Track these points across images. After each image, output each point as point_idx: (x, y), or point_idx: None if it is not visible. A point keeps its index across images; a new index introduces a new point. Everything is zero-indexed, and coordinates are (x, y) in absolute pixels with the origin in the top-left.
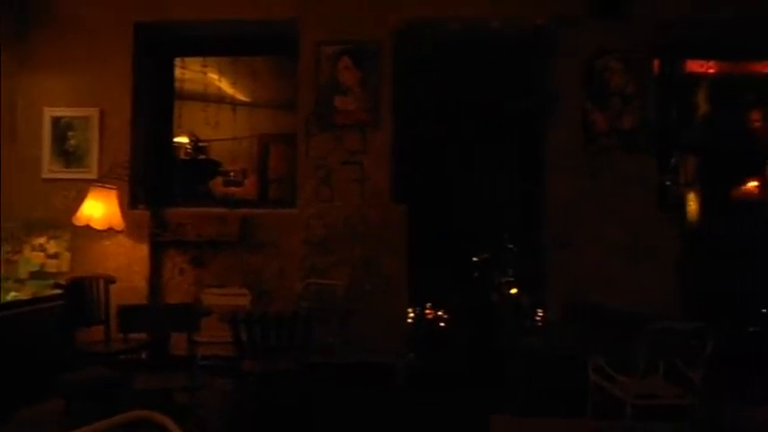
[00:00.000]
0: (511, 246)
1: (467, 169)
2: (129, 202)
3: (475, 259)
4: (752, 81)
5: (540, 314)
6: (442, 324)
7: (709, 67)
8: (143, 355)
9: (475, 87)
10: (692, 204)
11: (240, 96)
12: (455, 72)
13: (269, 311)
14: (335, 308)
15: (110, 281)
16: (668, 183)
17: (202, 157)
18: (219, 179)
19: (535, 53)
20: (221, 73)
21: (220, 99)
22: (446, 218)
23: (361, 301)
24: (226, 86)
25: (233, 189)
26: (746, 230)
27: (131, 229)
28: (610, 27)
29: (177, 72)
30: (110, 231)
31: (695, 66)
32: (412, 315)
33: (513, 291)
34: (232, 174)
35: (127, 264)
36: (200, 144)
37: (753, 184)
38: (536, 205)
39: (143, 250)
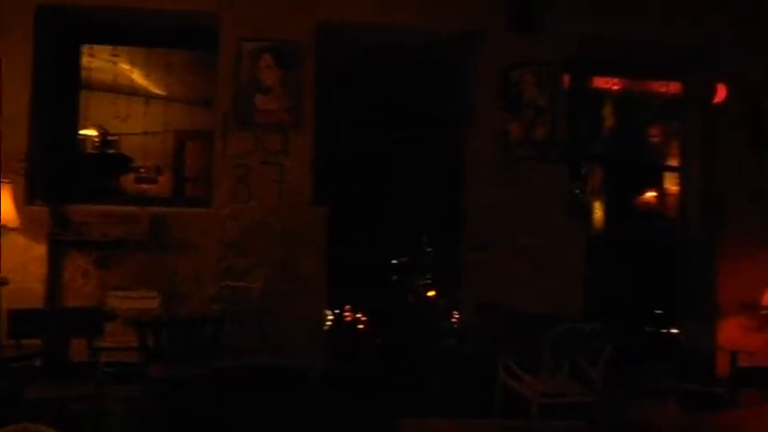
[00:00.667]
0: (430, 249)
1: (388, 173)
2: (26, 198)
3: (394, 262)
4: (652, 99)
5: (457, 316)
6: (360, 326)
7: (613, 84)
8: (37, 363)
9: (397, 93)
10: (598, 212)
11: (154, 89)
12: (378, 77)
13: (178, 315)
14: (251, 310)
15: (1, 283)
16: (577, 191)
17: (112, 151)
18: (131, 176)
19: (454, 63)
20: (133, 64)
21: (133, 91)
22: (367, 221)
23: (277, 303)
24: (138, 78)
25: (145, 186)
26: (645, 237)
27: (27, 226)
28: (524, 41)
29: (84, 60)
30: (3, 229)
31: (601, 82)
32: (330, 318)
33: (431, 293)
34: (144, 170)
35: (22, 264)
36: (110, 138)
37: (651, 194)
38: (454, 210)
39: (40, 250)
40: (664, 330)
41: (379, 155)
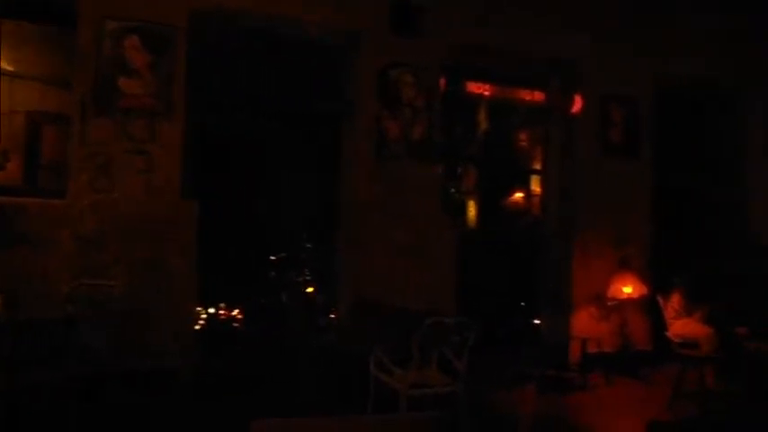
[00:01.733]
0: (309, 245)
1: (267, 168)
2: None
3: (272, 258)
4: (519, 106)
5: (334, 312)
6: (236, 324)
7: (485, 90)
8: None
9: (277, 85)
10: (472, 210)
11: (4, 65)
12: (258, 67)
13: (26, 316)
14: (111, 311)
15: None
16: (453, 191)
17: None
18: None
19: (336, 59)
20: None
21: None
22: (243, 216)
23: (142, 302)
24: None
25: None
26: (512, 235)
27: None
28: (404, 43)
29: None
30: None
31: (474, 87)
32: (204, 317)
33: (310, 290)
34: None
35: None
36: None
37: (519, 194)
38: (333, 206)
39: None
40: (527, 320)
41: (257, 148)
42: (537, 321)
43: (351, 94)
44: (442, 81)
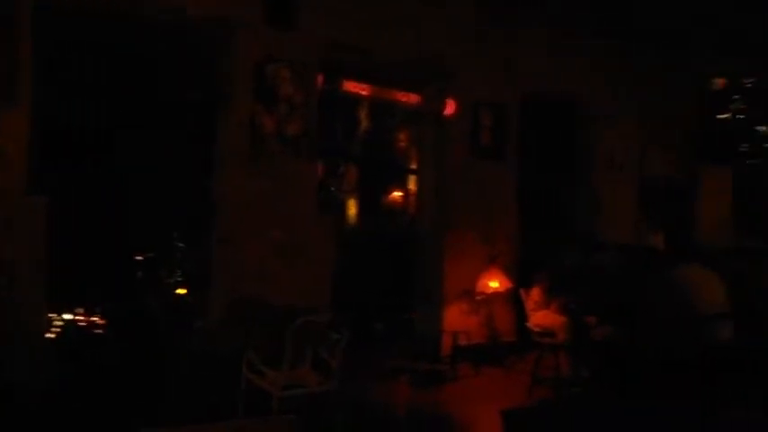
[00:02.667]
0: (181, 244)
1: (133, 162)
2: None
3: (139, 258)
4: (396, 107)
5: (207, 313)
6: (98, 331)
7: (362, 90)
8: None
9: (145, 74)
10: (352, 208)
11: None
12: (124, 54)
13: None
14: None
15: None
16: (333, 189)
17: None
18: None
19: (210, 49)
20: None
21: None
22: (106, 214)
23: None
24: None
25: None
26: (391, 232)
27: None
28: (282, 37)
29: None
30: None
31: (352, 86)
32: (59, 323)
33: (182, 291)
34: None
35: None
36: None
37: (398, 193)
38: (207, 203)
39: None
40: (402, 316)
41: (122, 141)
42: (411, 317)
43: (225, 86)
44: (320, 78)
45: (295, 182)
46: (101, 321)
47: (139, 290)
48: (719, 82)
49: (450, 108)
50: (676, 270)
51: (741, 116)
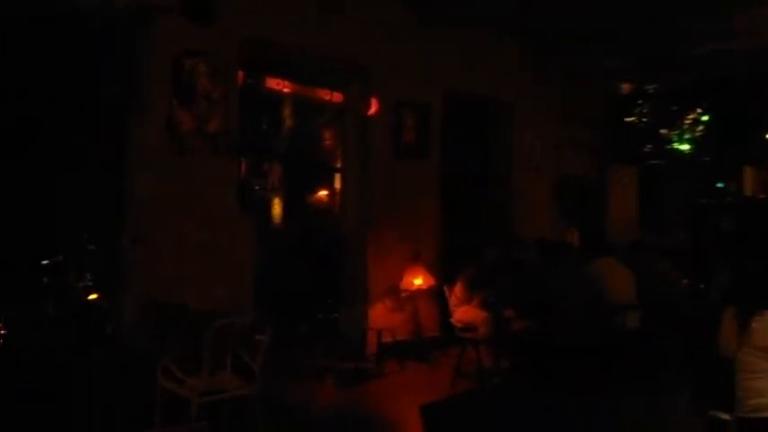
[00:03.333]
0: (91, 246)
1: (38, 161)
2: None
3: (45, 263)
4: (320, 105)
5: (120, 319)
6: None
7: (285, 87)
8: None
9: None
10: (277, 207)
11: None
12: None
13: None
14: None
15: None
16: (257, 187)
17: None
18: None
19: (122, 40)
20: None
21: None
22: (8, 216)
23: None
24: None
25: None
26: (316, 232)
27: None
28: (200, 31)
29: None
30: None
31: (274, 83)
32: None
33: (93, 296)
34: None
35: None
36: None
37: (323, 192)
38: (120, 203)
39: None
40: (327, 316)
41: (28, 138)
42: (337, 316)
43: (139, 79)
44: (241, 74)
45: (215, 180)
46: (2, 330)
47: (45, 296)
48: (626, 87)
49: (373, 107)
50: (589, 264)
51: (645, 119)
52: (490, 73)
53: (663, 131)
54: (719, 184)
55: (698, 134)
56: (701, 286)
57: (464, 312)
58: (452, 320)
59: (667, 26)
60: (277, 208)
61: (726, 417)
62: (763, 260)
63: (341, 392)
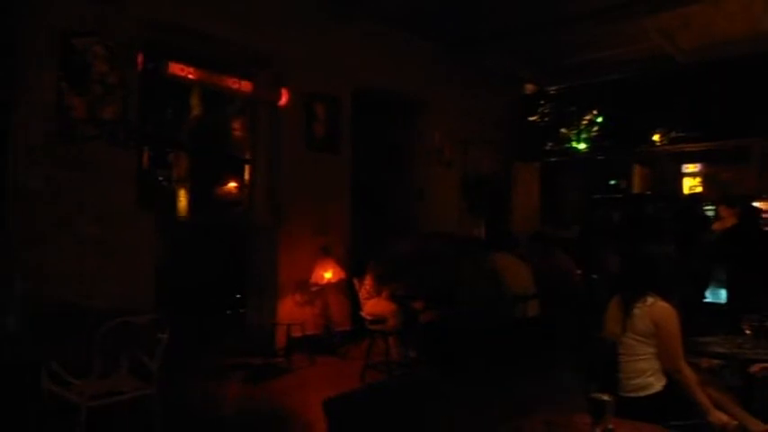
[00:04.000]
0: None
1: None
2: None
3: None
4: (229, 94)
5: (5, 320)
6: None
7: (190, 73)
8: None
9: None
10: (183, 199)
11: None
12: None
13: None
14: None
15: None
16: (161, 178)
17: None
18: None
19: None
20: None
21: None
22: None
23: None
24: None
25: None
26: (224, 224)
27: None
28: (96, 7)
29: None
30: None
31: (178, 69)
32: None
33: None
34: None
35: None
36: None
37: (232, 184)
38: (1, 195)
39: None
40: (235, 311)
41: None
42: (245, 311)
43: (19, 60)
44: (140, 58)
45: (111, 171)
46: None
47: None
48: (530, 88)
49: (283, 98)
50: (491, 256)
51: (547, 119)
52: (401, 70)
53: (562, 131)
54: (612, 181)
55: (593, 134)
56: (594, 276)
57: (374, 305)
58: (362, 313)
59: (564, 33)
60: (183, 200)
61: (605, 398)
62: (646, 251)
63: (249, 389)
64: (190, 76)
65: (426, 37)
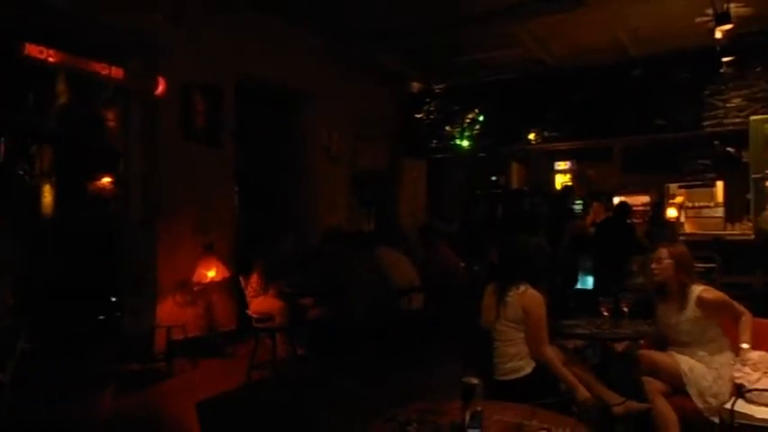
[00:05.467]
0: None
1: None
2: None
3: None
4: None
5: None
6: None
7: (49, 56)
8: None
9: None
10: (47, 197)
11: None
12: None
13: None
14: None
15: None
16: (21, 173)
17: None
18: None
19: None
20: None
21: None
22: None
23: None
24: None
25: None
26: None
27: None
28: None
29: None
30: None
31: (35, 51)
32: None
33: None
34: None
35: None
36: None
37: (105, 179)
38: None
39: None
40: (110, 315)
41: None
42: (120, 315)
43: None
44: None
45: None
46: None
47: None
48: (416, 86)
49: (160, 87)
50: (378, 251)
51: (432, 117)
52: (288, 62)
53: (447, 129)
54: (493, 177)
55: (475, 132)
56: (475, 267)
57: (260, 303)
58: (249, 312)
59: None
60: (48, 196)
61: (474, 381)
62: (519, 242)
63: (125, 398)
64: (50, 60)
65: (314, 30)
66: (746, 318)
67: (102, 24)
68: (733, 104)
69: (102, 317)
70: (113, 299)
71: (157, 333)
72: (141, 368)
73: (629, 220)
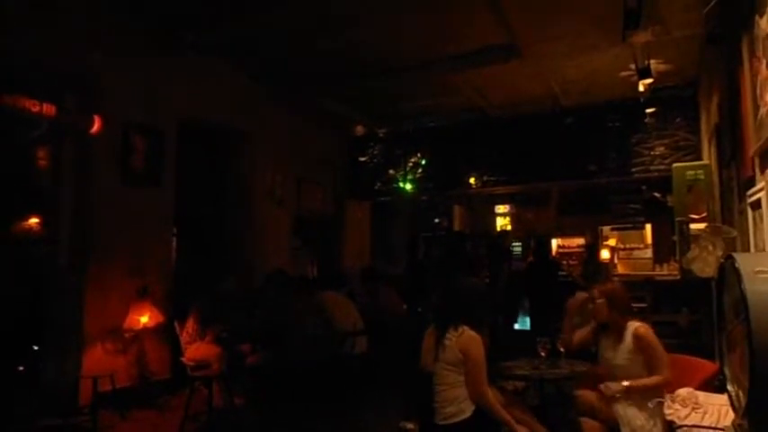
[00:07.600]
0: None
1: None
2: None
3: None
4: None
5: None
6: None
7: None
8: None
9: None
10: None
11: None
12: None
13: None
14: None
15: None
16: None
17: None
18: None
19: None
20: None
21: None
22: None
23: None
24: None
25: None
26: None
27: None
28: None
29: None
30: None
31: None
32: None
33: None
34: None
35: None
36: None
37: (32, 220)
38: None
39: None
40: (29, 365)
41: None
42: (40, 365)
43: None
44: None
45: None
46: None
47: None
48: (360, 129)
49: (96, 125)
50: (320, 295)
51: (376, 160)
52: (231, 104)
53: (390, 172)
54: (436, 220)
55: (418, 176)
56: (419, 309)
57: (196, 349)
58: (184, 359)
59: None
60: None
61: (410, 426)
62: (456, 283)
63: None
64: None
65: (258, 74)
66: (659, 380)
67: (33, 61)
68: (657, 152)
69: (21, 367)
70: (35, 347)
71: (82, 384)
72: (62, 423)
73: (550, 257)
